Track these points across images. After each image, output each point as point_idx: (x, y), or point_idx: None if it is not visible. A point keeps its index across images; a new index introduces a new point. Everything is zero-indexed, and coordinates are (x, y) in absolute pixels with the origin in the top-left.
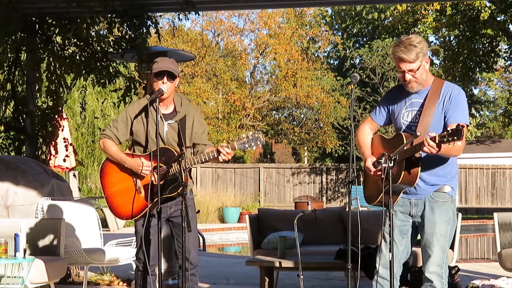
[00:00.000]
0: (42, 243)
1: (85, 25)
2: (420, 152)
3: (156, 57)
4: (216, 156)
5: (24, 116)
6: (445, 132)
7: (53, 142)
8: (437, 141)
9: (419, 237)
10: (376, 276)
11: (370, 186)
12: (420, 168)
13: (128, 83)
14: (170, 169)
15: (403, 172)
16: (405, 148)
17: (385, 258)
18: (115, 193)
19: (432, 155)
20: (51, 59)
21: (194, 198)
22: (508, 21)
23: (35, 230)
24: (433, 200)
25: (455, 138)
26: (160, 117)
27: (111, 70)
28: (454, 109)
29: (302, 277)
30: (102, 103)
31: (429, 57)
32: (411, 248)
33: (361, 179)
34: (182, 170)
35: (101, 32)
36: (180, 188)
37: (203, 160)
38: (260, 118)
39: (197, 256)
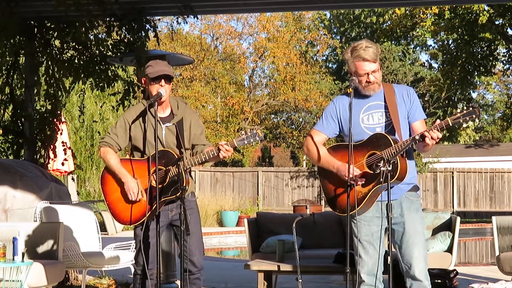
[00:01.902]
0: (40, 246)
1: (83, 29)
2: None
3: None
4: (216, 154)
5: (23, 119)
6: (459, 114)
7: (51, 146)
8: (450, 124)
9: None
10: (361, 286)
11: (344, 196)
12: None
13: (126, 87)
14: (169, 172)
15: (398, 169)
16: (398, 148)
17: (368, 266)
18: (117, 199)
19: (407, 151)
20: (49, 62)
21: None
22: (507, 24)
23: (34, 234)
24: (408, 199)
25: (473, 116)
26: (158, 120)
27: (110, 74)
28: (415, 108)
29: (300, 280)
30: (101, 106)
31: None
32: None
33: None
34: (183, 173)
35: (100, 36)
36: (179, 192)
37: (203, 160)
38: (259, 122)
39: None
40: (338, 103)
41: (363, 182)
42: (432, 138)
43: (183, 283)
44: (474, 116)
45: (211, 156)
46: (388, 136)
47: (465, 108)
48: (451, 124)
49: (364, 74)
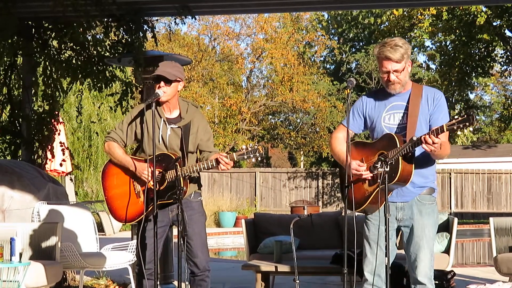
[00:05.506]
0: (38, 247)
1: (81, 29)
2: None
3: (153, 61)
4: (215, 165)
5: (20, 120)
6: (454, 120)
7: (49, 146)
8: (445, 129)
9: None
10: (364, 285)
11: (354, 192)
12: (413, 165)
13: (124, 87)
14: (167, 175)
15: (399, 171)
16: (396, 150)
17: (372, 265)
18: (115, 196)
19: (421, 155)
20: (47, 63)
21: None
22: (504, 26)
23: (31, 234)
24: (420, 203)
25: (466, 124)
26: (164, 121)
27: (108, 74)
28: (439, 113)
29: (298, 281)
30: (99, 107)
31: (411, 61)
32: (396, 251)
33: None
34: (184, 174)
35: (98, 36)
36: (177, 193)
37: (202, 169)
38: (256, 123)
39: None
40: (366, 99)
41: (369, 179)
42: (426, 142)
43: (180, 283)
44: (468, 124)
45: (210, 166)
46: (396, 138)
47: (461, 114)
48: (445, 130)
49: (386, 72)
